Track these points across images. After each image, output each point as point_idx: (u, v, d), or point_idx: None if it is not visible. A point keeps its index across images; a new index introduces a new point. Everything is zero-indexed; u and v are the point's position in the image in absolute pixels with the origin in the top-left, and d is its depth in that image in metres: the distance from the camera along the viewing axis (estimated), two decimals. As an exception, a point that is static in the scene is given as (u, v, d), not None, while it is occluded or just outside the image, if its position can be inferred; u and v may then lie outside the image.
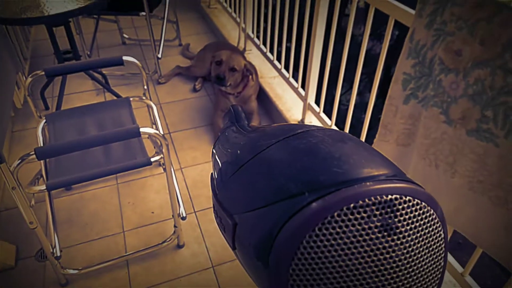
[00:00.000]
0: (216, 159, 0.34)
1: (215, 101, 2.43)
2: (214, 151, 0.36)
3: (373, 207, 0.18)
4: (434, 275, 0.20)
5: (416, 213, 0.19)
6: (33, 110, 1.63)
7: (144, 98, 1.76)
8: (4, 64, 1.28)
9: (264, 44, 2.62)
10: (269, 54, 2.58)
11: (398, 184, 0.18)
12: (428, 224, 0.20)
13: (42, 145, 1.55)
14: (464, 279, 1.30)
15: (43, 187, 1.30)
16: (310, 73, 1.96)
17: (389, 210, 0.18)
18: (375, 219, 0.18)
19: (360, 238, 0.18)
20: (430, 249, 0.20)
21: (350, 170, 0.18)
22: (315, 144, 0.21)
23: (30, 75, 1.56)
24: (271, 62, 2.54)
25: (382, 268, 0.19)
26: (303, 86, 2.17)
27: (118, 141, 1.27)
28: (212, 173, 0.35)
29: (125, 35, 3.16)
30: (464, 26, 0.93)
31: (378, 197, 0.18)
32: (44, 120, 1.63)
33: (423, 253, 0.20)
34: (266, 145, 0.25)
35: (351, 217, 0.18)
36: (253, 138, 0.30)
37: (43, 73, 1.55)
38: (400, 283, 0.19)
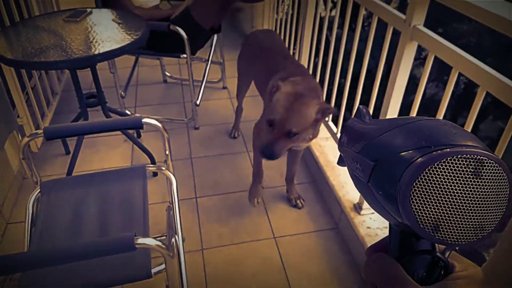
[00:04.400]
0: (352, 131, 0.44)
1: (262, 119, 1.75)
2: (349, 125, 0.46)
3: (471, 160, 0.31)
4: (498, 215, 0.33)
5: (494, 171, 0.32)
6: (28, 175, 1.34)
7: (163, 169, 1.42)
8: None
9: (319, 99, 2.24)
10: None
11: (488, 152, 0.31)
12: (500, 179, 0.32)
13: (29, 224, 1.24)
14: None
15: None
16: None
17: (479, 163, 0.31)
18: (470, 166, 0.31)
19: (459, 175, 0.31)
20: (499, 196, 0.32)
21: (461, 140, 0.32)
22: (440, 124, 0.35)
23: (28, 135, 1.26)
24: (324, 122, 2.15)
25: (467, 196, 0.31)
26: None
27: (107, 255, 0.92)
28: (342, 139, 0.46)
29: (167, 73, 2.91)
30: None
31: (475, 155, 0.31)
32: (38, 190, 1.33)
33: (494, 196, 0.32)
34: (402, 121, 0.37)
35: (458, 162, 0.31)
36: (389, 119, 0.40)
37: (42, 134, 1.25)
38: (477, 212, 0.32)
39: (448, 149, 0.31)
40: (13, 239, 1.72)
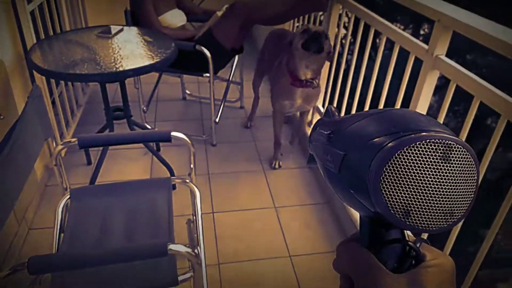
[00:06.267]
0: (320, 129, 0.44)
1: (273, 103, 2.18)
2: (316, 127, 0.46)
3: (439, 144, 0.32)
4: (467, 201, 0.34)
5: (462, 155, 0.33)
6: (58, 182, 1.39)
7: (187, 181, 1.46)
8: (28, 134, 1.04)
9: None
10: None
11: (455, 137, 0.33)
12: (468, 164, 0.33)
13: (58, 229, 1.29)
14: None
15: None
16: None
17: (447, 148, 0.32)
18: (439, 151, 0.32)
19: (429, 160, 0.32)
20: (467, 181, 0.33)
21: (430, 126, 0.33)
22: (408, 112, 0.36)
23: (62, 143, 1.32)
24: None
25: (437, 181, 0.32)
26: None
27: (141, 259, 0.96)
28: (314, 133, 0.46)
29: (187, 91, 2.99)
30: None
31: (443, 140, 0.32)
32: (68, 196, 1.38)
33: (463, 182, 0.33)
34: (372, 111, 0.38)
35: (426, 147, 0.32)
36: (354, 114, 0.42)
37: (76, 142, 1.31)
38: (447, 197, 0.33)
39: (417, 134, 0.32)
40: (35, 244, 1.76)
